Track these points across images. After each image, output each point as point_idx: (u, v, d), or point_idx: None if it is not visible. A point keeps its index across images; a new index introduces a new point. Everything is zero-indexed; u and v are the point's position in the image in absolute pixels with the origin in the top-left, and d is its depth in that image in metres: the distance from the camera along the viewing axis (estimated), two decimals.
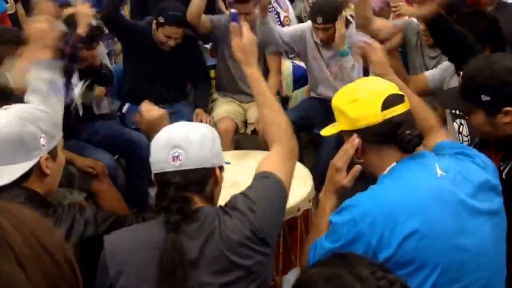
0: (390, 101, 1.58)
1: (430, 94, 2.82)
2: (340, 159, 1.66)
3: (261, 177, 1.61)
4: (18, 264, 0.60)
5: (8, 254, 0.60)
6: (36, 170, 1.61)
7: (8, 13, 4.23)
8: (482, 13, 2.69)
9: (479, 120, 1.94)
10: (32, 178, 1.61)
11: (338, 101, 1.68)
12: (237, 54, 1.87)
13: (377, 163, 1.62)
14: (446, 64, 2.88)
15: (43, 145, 1.62)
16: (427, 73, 2.98)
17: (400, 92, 1.64)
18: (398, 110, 1.58)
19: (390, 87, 1.65)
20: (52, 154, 1.66)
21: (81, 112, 3.14)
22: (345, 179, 1.66)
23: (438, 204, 1.50)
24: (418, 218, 1.47)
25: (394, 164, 1.59)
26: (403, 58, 3.36)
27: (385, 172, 1.60)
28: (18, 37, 2.65)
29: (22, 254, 0.61)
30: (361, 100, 1.61)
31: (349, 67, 3.41)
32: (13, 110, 1.63)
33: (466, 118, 2.53)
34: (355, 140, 1.62)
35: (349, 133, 1.65)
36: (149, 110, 1.97)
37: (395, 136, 1.57)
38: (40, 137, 1.61)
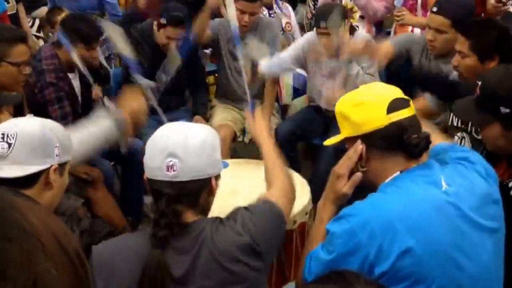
0: (395, 105, 1.53)
1: (432, 114, 2.78)
2: (342, 165, 1.61)
3: (261, 202, 1.62)
4: (51, 263, 0.60)
5: (42, 253, 0.59)
6: (44, 179, 1.62)
7: (8, 13, 4.22)
8: (492, 23, 2.62)
9: (494, 133, 1.90)
10: (37, 186, 1.62)
11: (342, 106, 1.62)
12: (252, 134, 2.16)
13: (380, 172, 1.56)
14: None
15: (57, 155, 1.65)
16: (426, 95, 2.92)
17: (406, 97, 1.59)
18: (404, 114, 1.53)
19: (395, 91, 1.60)
20: (61, 168, 1.68)
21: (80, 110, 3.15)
22: (346, 187, 1.61)
23: (440, 219, 1.46)
24: (418, 233, 1.43)
25: (397, 173, 1.54)
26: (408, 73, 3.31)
27: (387, 181, 1.55)
28: (17, 35, 2.64)
29: (52, 253, 0.61)
30: (366, 103, 1.56)
31: (353, 75, 3.39)
32: (36, 118, 1.73)
33: (469, 132, 2.51)
34: (359, 146, 1.56)
35: (353, 140, 1.59)
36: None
37: (401, 141, 1.51)
38: (56, 146, 1.64)
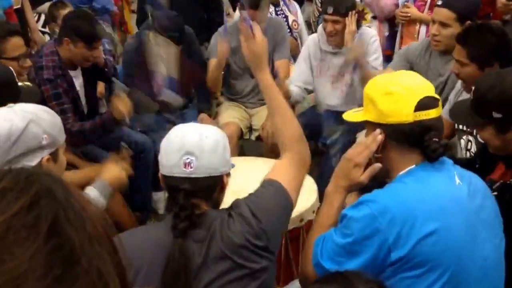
0: (425, 103, 1.53)
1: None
2: (360, 154, 1.60)
3: (266, 185, 1.63)
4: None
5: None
6: None
7: (14, 8, 4.21)
8: (490, 28, 2.58)
9: (489, 135, 1.92)
10: None
11: (371, 89, 1.61)
12: (248, 58, 1.76)
13: (396, 162, 1.57)
14: (452, 94, 2.81)
15: (45, 146, 1.63)
16: (443, 114, 2.90)
17: (436, 96, 1.58)
18: (431, 114, 1.53)
19: (427, 88, 1.58)
20: (54, 156, 1.67)
21: (85, 110, 3.13)
22: (363, 176, 1.60)
23: (456, 211, 1.50)
24: (437, 221, 1.45)
25: (413, 166, 1.55)
26: None
27: (403, 172, 1.55)
28: (8, 29, 2.63)
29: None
30: (396, 94, 1.54)
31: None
32: (17, 109, 1.64)
33: (474, 135, 2.50)
34: (379, 136, 1.56)
35: (373, 125, 1.59)
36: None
37: (422, 140, 1.52)
38: (43, 138, 1.62)
